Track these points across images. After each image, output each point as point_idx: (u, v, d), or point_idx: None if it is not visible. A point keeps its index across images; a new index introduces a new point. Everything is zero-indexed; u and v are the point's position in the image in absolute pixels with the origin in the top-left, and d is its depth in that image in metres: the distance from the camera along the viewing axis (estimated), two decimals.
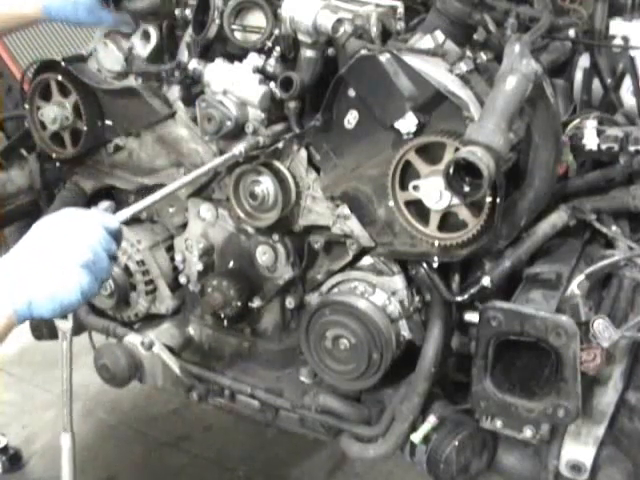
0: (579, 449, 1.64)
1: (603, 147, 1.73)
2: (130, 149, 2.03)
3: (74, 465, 1.94)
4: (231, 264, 1.99)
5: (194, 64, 1.81)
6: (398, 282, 1.78)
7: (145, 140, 2.00)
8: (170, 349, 2.04)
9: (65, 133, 2.04)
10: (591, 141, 1.74)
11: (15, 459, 2.74)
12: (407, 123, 1.59)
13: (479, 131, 1.44)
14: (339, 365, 1.79)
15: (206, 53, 1.83)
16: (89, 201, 2.15)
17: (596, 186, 1.78)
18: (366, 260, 1.81)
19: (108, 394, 2.82)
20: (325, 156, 1.75)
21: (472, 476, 1.83)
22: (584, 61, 2.02)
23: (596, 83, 2.01)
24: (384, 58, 1.60)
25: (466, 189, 1.45)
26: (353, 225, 1.77)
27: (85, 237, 1.18)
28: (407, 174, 1.62)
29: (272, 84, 1.73)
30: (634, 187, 1.74)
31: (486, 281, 1.67)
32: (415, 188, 1.60)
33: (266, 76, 1.74)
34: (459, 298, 1.71)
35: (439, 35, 1.63)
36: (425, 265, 1.71)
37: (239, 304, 1.92)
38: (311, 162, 1.78)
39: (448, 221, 1.62)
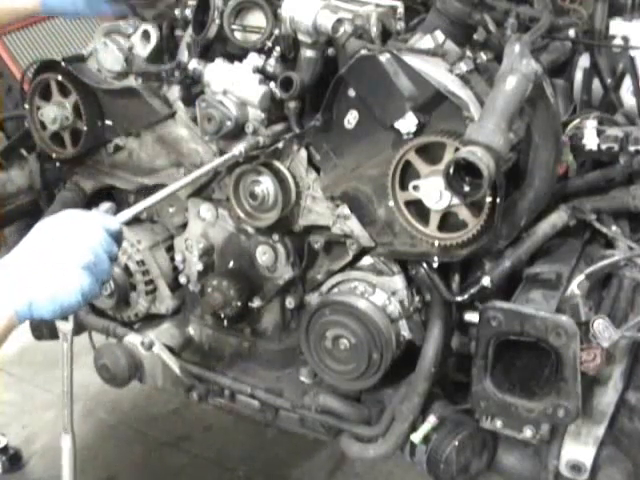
0: (579, 449, 1.64)
1: (603, 147, 1.73)
2: (130, 149, 2.03)
3: (74, 466, 1.95)
4: (231, 264, 1.99)
5: (194, 64, 1.81)
6: (398, 282, 1.78)
7: (145, 140, 2.00)
8: (170, 349, 2.04)
9: (65, 133, 2.04)
10: (591, 141, 1.74)
11: (15, 459, 2.74)
12: (407, 123, 1.59)
13: (479, 131, 1.44)
14: (339, 365, 1.79)
15: (206, 53, 1.83)
16: (89, 201, 2.15)
17: (596, 186, 1.78)
18: (366, 260, 1.81)
19: (108, 394, 2.82)
20: (325, 156, 1.75)
21: (472, 476, 1.83)
22: (584, 61, 2.02)
23: (596, 83, 2.00)
24: (384, 58, 1.60)
25: (466, 189, 1.45)
26: (353, 225, 1.77)
27: (86, 239, 1.18)
28: (407, 174, 1.62)
29: (272, 84, 1.73)
30: (634, 187, 1.74)
31: (486, 281, 1.67)
32: (415, 188, 1.60)
33: (266, 76, 1.74)
34: (459, 298, 1.71)
35: (439, 35, 1.63)
36: (425, 265, 1.71)
37: (239, 304, 1.92)
38: (311, 162, 1.79)
39: (448, 221, 1.62)
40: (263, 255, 1.91)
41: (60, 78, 1.98)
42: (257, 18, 1.75)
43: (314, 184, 1.79)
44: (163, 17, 1.88)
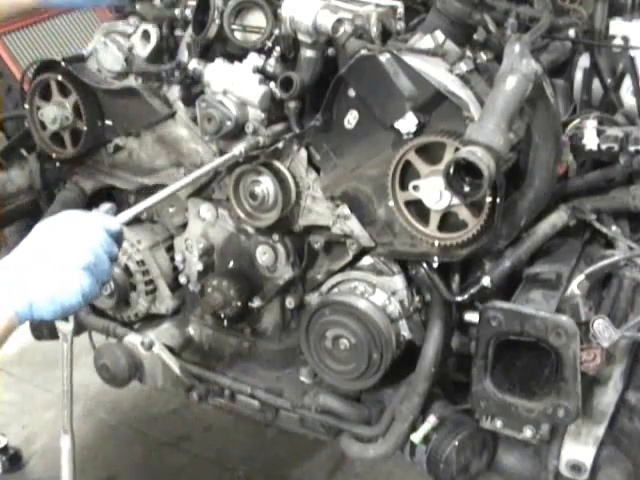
0: (579, 449, 1.64)
1: (603, 147, 1.73)
2: (130, 149, 2.03)
3: (74, 467, 1.95)
4: (231, 264, 1.99)
5: (194, 64, 1.81)
6: (398, 282, 1.78)
7: (145, 140, 2.00)
8: (170, 349, 2.04)
9: (65, 133, 2.04)
10: (591, 141, 1.74)
11: (15, 459, 2.74)
12: (407, 123, 1.59)
13: (479, 131, 1.44)
14: (339, 365, 1.79)
15: (206, 53, 1.83)
16: (89, 201, 2.15)
17: (596, 186, 1.78)
18: (366, 260, 1.81)
19: (108, 394, 2.82)
20: (325, 156, 1.75)
21: (472, 476, 1.83)
22: (584, 61, 2.02)
23: (596, 83, 2.00)
24: (384, 58, 1.60)
25: (466, 189, 1.45)
26: (353, 225, 1.77)
27: (86, 239, 1.18)
28: (407, 174, 1.62)
29: (272, 84, 1.73)
30: (634, 187, 1.74)
31: (486, 281, 1.67)
32: (415, 188, 1.60)
33: (266, 76, 1.74)
34: (459, 298, 1.71)
35: (439, 35, 1.62)
36: (425, 265, 1.71)
37: (239, 304, 1.92)
38: (311, 162, 1.78)
39: (448, 221, 1.62)
40: (263, 255, 1.91)
41: (60, 78, 1.98)
42: (257, 18, 1.74)
43: (314, 184, 1.79)
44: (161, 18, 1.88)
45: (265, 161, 1.79)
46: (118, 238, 1.25)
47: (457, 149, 1.50)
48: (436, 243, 1.62)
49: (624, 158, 1.71)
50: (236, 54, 1.78)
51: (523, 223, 1.68)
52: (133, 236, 2.05)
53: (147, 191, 1.94)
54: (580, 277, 1.60)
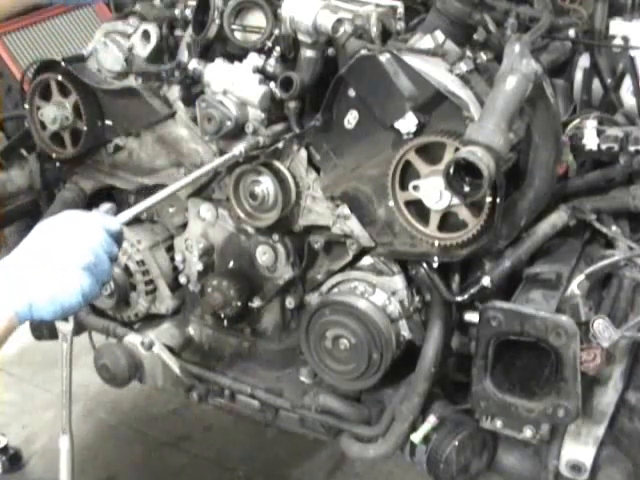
0: (579, 449, 1.64)
1: (603, 147, 1.73)
2: (130, 149, 2.03)
3: (73, 467, 1.94)
4: (231, 264, 1.99)
5: (194, 64, 1.81)
6: (398, 282, 1.77)
7: (145, 140, 2.00)
8: (170, 349, 2.04)
9: (65, 133, 2.04)
10: (591, 141, 1.74)
11: (15, 459, 2.74)
12: (407, 123, 1.59)
13: (479, 131, 1.44)
14: (339, 365, 1.79)
15: (206, 53, 1.83)
16: (89, 201, 2.15)
17: (596, 186, 1.78)
18: (366, 260, 1.81)
19: (108, 394, 2.82)
20: (325, 156, 1.75)
21: (472, 476, 1.83)
22: (584, 61, 2.02)
23: (596, 83, 2.00)
24: (384, 58, 1.60)
25: (466, 189, 1.45)
26: (353, 225, 1.77)
27: (86, 239, 1.18)
28: (407, 174, 1.62)
29: (272, 84, 1.73)
30: (634, 187, 1.74)
31: (486, 281, 1.67)
32: (415, 188, 1.60)
33: (266, 76, 1.74)
34: (459, 298, 1.71)
35: (439, 35, 1.63)
36: (425, 265, 1.71)
37: (239, 304, 1.92)
38: (311, 162, 1.78)
39: (448, 221, 1.62)
40: (263, 255, 1.91)
41: (60, 78, 1.98)
42: (257, 18, 1.75)
43: (314, 184, 1.79)
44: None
45: (265, 161, 1.79)
46: (118, 238, 1.25)
47: (457, 149, 1.50)
48: (436, 243, 1.62)
49: (624, 158, 1.71)
50: (236, 54, 1.78)
51: (523, 223, 1.68)
52: (133, 236, 2.05)
53: (147, 191, 1.94)
54: (580, 277, 1.60)
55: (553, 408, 1.55)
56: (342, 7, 1.69)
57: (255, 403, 2.00)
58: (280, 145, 1.77)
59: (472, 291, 1.69)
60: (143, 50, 1.91)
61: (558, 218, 1.75)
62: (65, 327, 1.93)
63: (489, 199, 1.53)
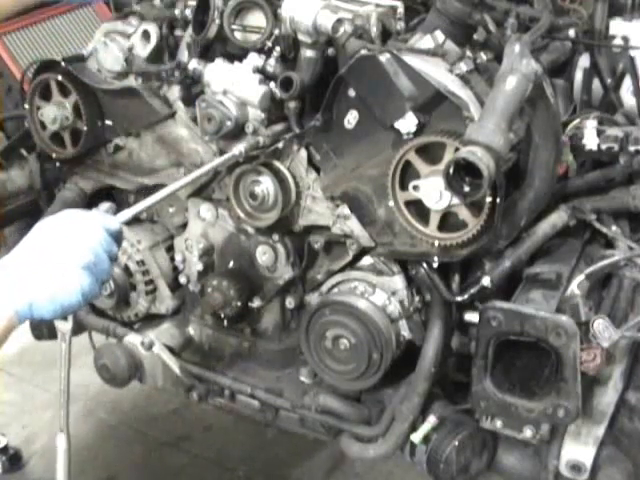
0: (579, 449, 1.64)
1: (603, 147, 1.73)
2: (130, 149, 2.03)
3: (69, 465, 1.95)
4: (231, 264, 1.99)
5: (194, 64, 1.81)
6: (398, 282, 1.77)
7: (145, 140, 2.00)
8: (170, 349, 2.04)
9: (65, 133, 2.04)
10: (591, 141, 1.74)
11: (15, 459, 2.75)
12: (407, 123, 1.59)
13: (479, 131, 1.44)
14: (339, 365, 1.79)
15: (206, 53, 1.83)
16: (89, 201, 2.15)
17: (596, 186, 1.78)
18: (366, 260, 1.81)
19: (108, 394, 2.82)
20: (325, 156, 1.75)
21: (472, 476, 1.83)
22: (584, 61, 2.02)
23: (596, 83, 2.00)
24: (384, 58, 1.60)
25: (466, 189, 1.45)
26: (353, 225, 1.77)
27: (86, 239, 1.18)
28: (407, 174, 1.62)
29: (272, 84, 1.73)
30: (634, 187, 1.74)
31: (486, 281, 1.67)
32: (415, 188, 1.60)
33: (266, 76, 1.74)
34: (459, 298, 1.71)
35: (439, 35, 1.63)
36: (425, 265, 1.71)
37: (239, 304, 1.92)
38: (311, 162, 1.78)
39: (448, 221, 1.62)
40: (263, 255, 1.91)
41: (60, 78, 1.98)
42: (257, 18, 1.75)
43: (314, 184, 1.79)
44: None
45: (265, 161, 1.79)
46: (118, 237, 1.25)
47: (457, 149, 1.50)
48: (436, 243, 1.62)
49: (624, 158, 1.71)
50: (236, 54, 1.78)
51: (523, 223, 1.68)
52: (133, 236, 2.05)
53: (147, 191, 1.94)
54: (580, 277, 1.60)
55: (553, 408, 1.55)
56: (342, 7, 1.69)
57: (255, 403, 2.00)
58: (280, 145, 1.77)
59: (472, 291, 1.69)
60: (143, 50, 1.91)
61: (558, 218, 1.75)
62: (64, 326, 1.94)
63: (489, 199, 1.53)
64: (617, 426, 1.68)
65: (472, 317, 1.72)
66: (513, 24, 1.72)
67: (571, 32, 1.99)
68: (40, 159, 2.21)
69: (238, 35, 1.76)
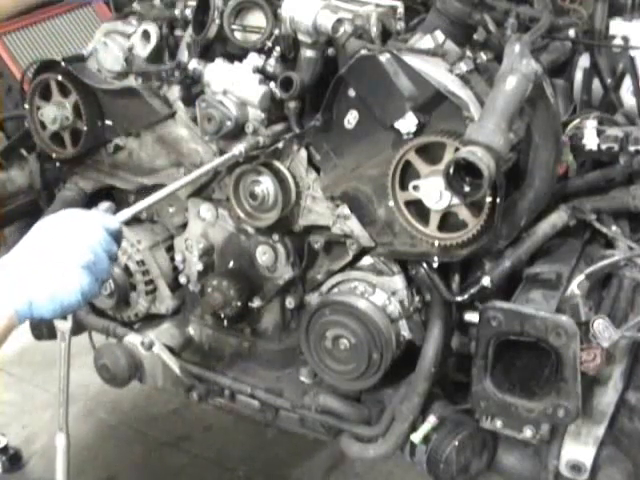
0: (579, 449, 1.64)
1: (603, 147, 1.73)
2: (130, 149, 2.03)
3: (68, 464, 1.94)
4: (231, 264, 1.99)
5: (194, 64, 1.81)
6: (398, 282, 1.77)
7: (145, 140, 2.00)
8: (170, 349, 2.04)
9: (65, 133, 2.04)
10: (591, 141, 1.74)
11: (15, 459, 2.74)
12: (407, 123, 1.59)
13: (479, 131, 1.44)
14: (339, 365, 1.79)
15: (206, 53, 1.83)
16: (89, 201, 2.15)
17: (596, 186, 1.78)
18: (366, 260, 1.81)
19: (108, 394, 2.82)
20: (325, 156, 1.75)
21: (472, 476, 1.83)
22: (584, 61, 2.02)
23: (596, 83, 2.00)
24: (384, 58, 1.60)
25: (466, 189, 1.45)
26: (353, 225, 1.77)
27: (86, 238, 1.18)
28: (407, 174, 1.62)
29: (272, 84, 1.73)
30: (634, 187, 1.74)
31: (486, 281, 1.67)
32: (415, 188, 1.60)
33: (266, 76, 1.74)
34: (459, 298, 1.71)
35: (439, 35, 1.63)
36: (425, 265, 1.71)
37: (239, 304, 1.92)
38: (311, 162, 1.78)
39: (448, 221, 1.62)
40: (263, 255, 1.91)
41: (60, 78, 1.98)
42: (257, 18, 1.75)
43: (314, 184, 1.79)
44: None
45: (265, 161, 1.79)
46: (117, 237, 1.25)
47: (457, 149, 1.50)
48: (436, 243, 1.62)
49: (624, 158, 1.71)
50: (236, 54, 1.78)
51: (523, 223, 1.68)
52: (133, 236, 2.05)
53: (147, 191, 1.93)
54: (580, 277, 1.60)
55: (553, 408, 1.55)
56: (342, 7, 1.69)
57: (255, 403, 2.00)
58: (280, 145, 1.77)
59: (472, 291, 1.69)
60: (143, 50, 1.91)
61: (558, 218, 1.75)
62: (63, 325, 1.94)
63: (489, 199, 1.53)
64: (617, 426, 1.68)
65: (472, 317, 1.72)
66: (513, 24, 1.72)
67: (571, 32, 1.99)
68: (40, 159, 2.21)
69: (238, 35, 1.76)
